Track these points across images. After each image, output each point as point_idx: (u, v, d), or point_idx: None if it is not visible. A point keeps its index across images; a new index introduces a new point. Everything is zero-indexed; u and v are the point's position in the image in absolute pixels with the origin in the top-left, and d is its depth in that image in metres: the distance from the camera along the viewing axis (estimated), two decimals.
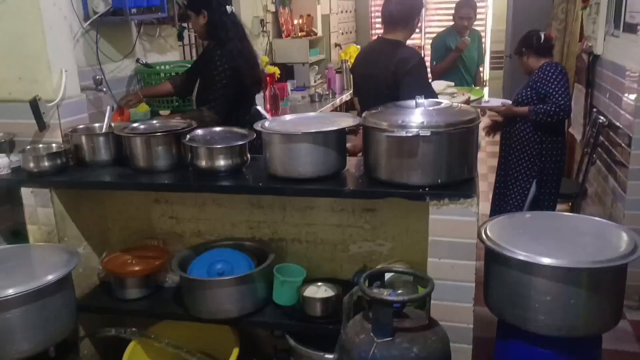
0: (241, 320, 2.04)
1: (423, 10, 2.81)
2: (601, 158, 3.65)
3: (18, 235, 2.35)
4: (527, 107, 3.19)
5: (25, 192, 2.12)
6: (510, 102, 3.45)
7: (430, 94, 2.55)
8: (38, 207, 2.13)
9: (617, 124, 3.29)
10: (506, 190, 3.40)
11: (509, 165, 3.39)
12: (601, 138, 3.57)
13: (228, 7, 2.90)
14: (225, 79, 2.78)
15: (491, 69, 7.39)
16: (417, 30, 2.85)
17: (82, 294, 2.23)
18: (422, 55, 2.79)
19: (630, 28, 3.28)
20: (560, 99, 3.10)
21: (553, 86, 3.13)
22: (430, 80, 2.77)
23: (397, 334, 1.53)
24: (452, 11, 4.57)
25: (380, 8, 2.82)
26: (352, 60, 5.82)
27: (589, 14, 4.25)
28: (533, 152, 3.27)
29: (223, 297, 1.99)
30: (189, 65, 3.16)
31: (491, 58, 7.31)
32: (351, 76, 3.41)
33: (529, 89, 3.25)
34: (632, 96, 3.04)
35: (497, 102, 3.54)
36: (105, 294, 2.24)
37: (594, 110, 3.84)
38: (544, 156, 3.26)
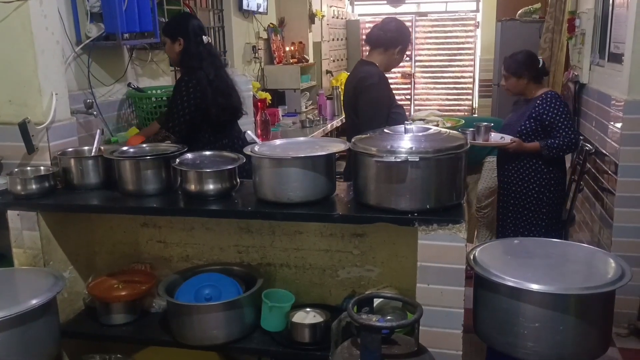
0: (228, 347, 2.01)
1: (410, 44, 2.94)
2: (588, 185, 3.68)
3: (3, 258, 2.32)
4: (537, 143, 3.07)
5: (12, 215, 2.10)
6: (508, 137, 3.15)
7: (381, 116, 2.70)
8: (24, 230, 2.10)
9: (604, 151, 3.33)
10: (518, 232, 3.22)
11: (513, 205, 3.21)
12: (588, 165, 3.61)
13: (204, 37, 2.92)
14: (189, 103, 2.79)
15: (480, 97, 7.51)
16: (407, 59, 2.94)
17: (67, 319, 2.19)
18: (385, 78, 2.86)
19: (614, 58, 3.36)
20: (570, 132, 3.03)
21: (560, 119, 3.03)
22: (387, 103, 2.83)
23: None
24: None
25: None
26: (344, 87, 5.90)
27: (574, 44, 4.36)
28: (539, 187, 3.13)
29: (210, 323, 1.96)
30: None
31: (480, 86, 7.44)
32: None
33: (532, 121, 3.10)
34: (618, 124, 3.09)
35: (496, 137, 3.18)
36: (91, 319, 2.21)
37: (581, 138, 3.90)
38: (550, 186, 3.15)
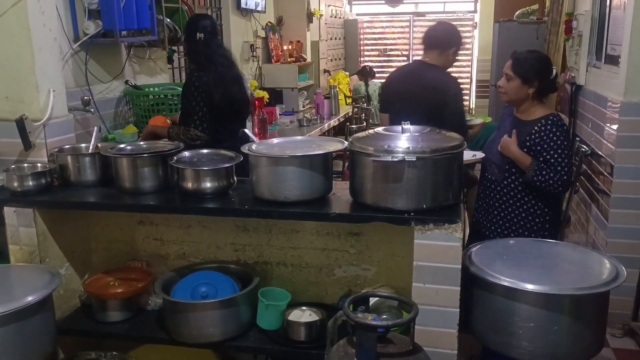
0: (224, 345, 2.01)
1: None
2: (584, 186, 3.70)
3: None
4: (530, 159, 2.43)
5: (8, 212, 2.10)
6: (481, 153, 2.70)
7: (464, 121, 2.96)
8: (20, 227, 2.10)
9: (600, 153, 3.34)
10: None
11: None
12: (584, 167, 3.62)
13: (218, 37, 2.92)
14: (203, 101, 2.79)
15: (477, 97, 7.52)
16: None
17: (63, 316, 2.19)
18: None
19: (611, 60, 3.37)
20: (566, 170, 2.41)
21: (556, 154, 2.40)
22: None
23: (381, 359, 1.52)
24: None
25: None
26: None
27: (571, 46, 4.37)
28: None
29: (206, 321, 1.97)
30: (178, 89, 3.18)
31: (477, 87, 7.46)
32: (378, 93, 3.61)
33: (525, 151, 2.46)
34: (614, 126, 3.10)
35: (468, 154, 2.63)
36: (87, 317, 2.21)
37: (577, 139, 3.91)
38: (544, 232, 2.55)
